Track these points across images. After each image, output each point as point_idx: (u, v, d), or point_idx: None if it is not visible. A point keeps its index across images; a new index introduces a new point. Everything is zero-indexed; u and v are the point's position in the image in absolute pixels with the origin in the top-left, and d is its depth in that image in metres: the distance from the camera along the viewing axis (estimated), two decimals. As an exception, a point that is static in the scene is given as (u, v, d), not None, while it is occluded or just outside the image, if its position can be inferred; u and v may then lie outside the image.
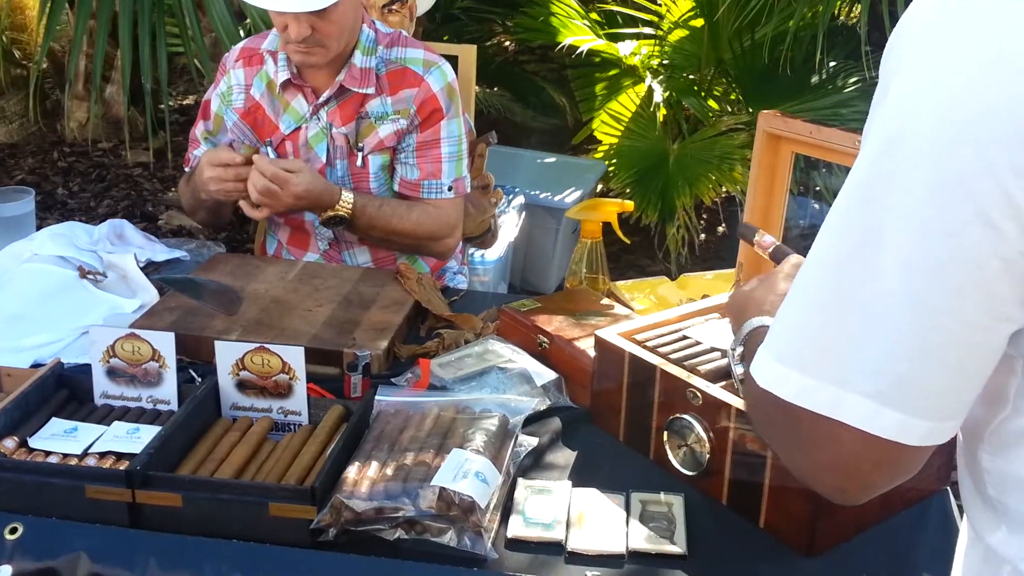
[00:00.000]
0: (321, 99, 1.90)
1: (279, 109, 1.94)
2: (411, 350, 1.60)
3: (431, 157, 1.93)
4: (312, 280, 1.81)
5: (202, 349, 1.55)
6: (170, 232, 3.60)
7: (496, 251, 2.80)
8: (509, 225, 3.05)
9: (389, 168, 1.95)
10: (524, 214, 3.18)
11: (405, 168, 1.94)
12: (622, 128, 3.82)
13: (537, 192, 3.34)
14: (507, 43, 5.00)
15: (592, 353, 1.42)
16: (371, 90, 1.89)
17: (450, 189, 1.95)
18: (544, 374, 1.46)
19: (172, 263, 1.97)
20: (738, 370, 1.08)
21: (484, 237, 2.32)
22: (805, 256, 0.73)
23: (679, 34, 3.86)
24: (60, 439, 1.29)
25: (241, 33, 3.27)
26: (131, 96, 4.31)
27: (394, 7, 2.28)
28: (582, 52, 3.64)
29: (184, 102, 4.97)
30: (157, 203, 3.89)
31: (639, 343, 1.36)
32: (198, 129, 2.05)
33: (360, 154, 1.91)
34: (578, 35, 3.76)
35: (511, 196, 3.14)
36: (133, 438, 1.29)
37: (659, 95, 3.54)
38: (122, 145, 4.33)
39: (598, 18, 4.11)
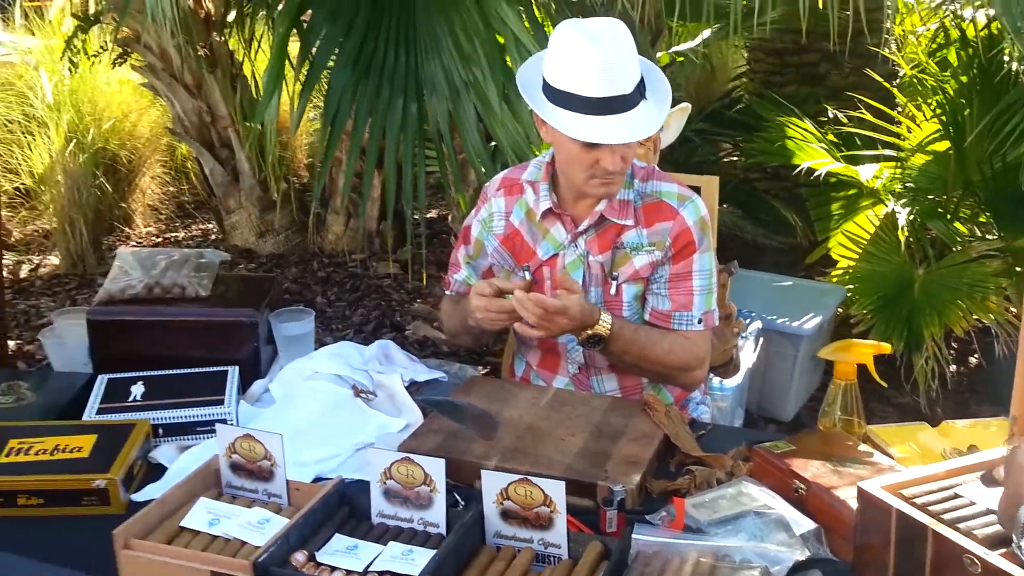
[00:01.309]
0: (580, 228, 2.00)
1: (538, 236, 2.05)
2: (663, 486, 1.63)
3: (683, 289, 1.98)
4: (563, 407, 1.88)
5: (463, 472, 1.64)
6: (416, 343, 3.81)
7: (735, 379, 2.78)
8: (747, 350, 3.04)
9: (641, 298, 2.01)
10: (761, 340, 3.16)
11: (657, 299, 2.00)
12: (861, 251, 3.74)
13: (774, 317, 3.30)
14: (736, 161, 5.04)
15: (853, 504, 1.39)
16: (629, 221, 1.98)
17: (700, 321, 1.99)
18: (802, 522, 1.45)
19: (432, 383, 2.10)
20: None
21: (726, 367, 2.32)
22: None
23: (922, 157, 3.76)
24: (343, 555, 1.40)
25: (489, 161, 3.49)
26: (381, 211, 4.68)
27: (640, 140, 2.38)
28: (819, 174, 3.63)
29: (428, 215, 5.30)
30: (404, 313, 4.14)
31: (906, 499, 1.32)
32: (459, 253, 2.19)
33: (614, 283, 1.99)
34: (815, 158, 3.75)
35: (748, 321, 3.13)
36: (408, 559, 1.38)
37: (903, 219, 3.45)
38: (373, 256, 4.66)
39: (835, 139, 4.08)
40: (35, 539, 1.55)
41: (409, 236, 3.97)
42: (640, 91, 1.85)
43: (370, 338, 3.85)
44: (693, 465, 1.68)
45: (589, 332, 1.90)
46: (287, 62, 3.52)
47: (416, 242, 4.19)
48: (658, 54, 4.74)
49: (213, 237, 5.17)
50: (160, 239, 5.25)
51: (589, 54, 1.79)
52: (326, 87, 3.57)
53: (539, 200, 2.03)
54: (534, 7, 3.58)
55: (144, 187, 5.35)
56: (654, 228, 1.98)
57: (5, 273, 4.22)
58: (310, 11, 3.59)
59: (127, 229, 5.20)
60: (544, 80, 1.87)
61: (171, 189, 5.66)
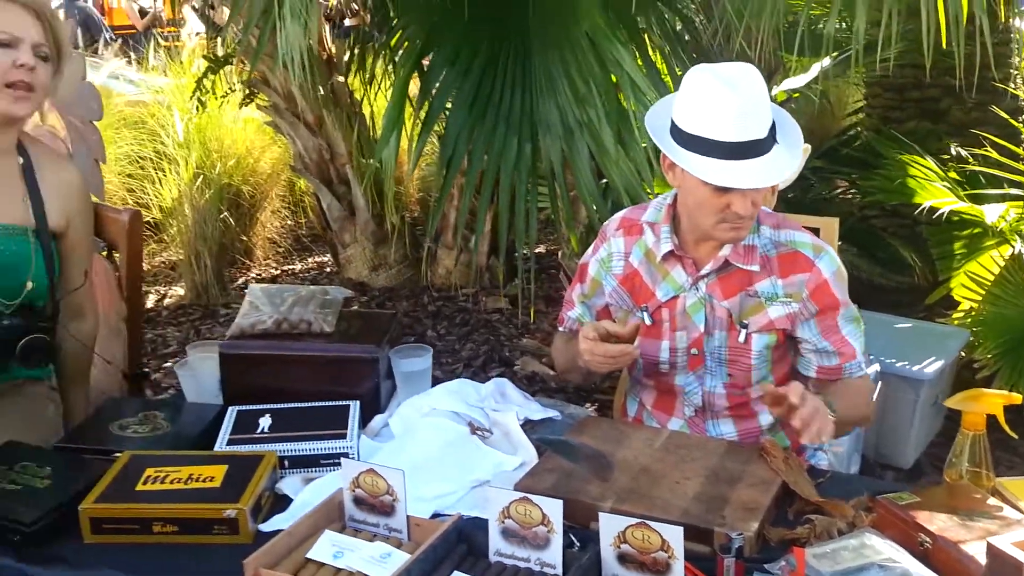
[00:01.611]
0: (703, 271, 2.00)
1: (657, 277, 2.05)
2: (781, 534, 1.61)
3: (840, 340, 1.99)
4: (678, 450, 1.87)
5: (577, 512, 1.65)
6: (524, 378, 3.85)
7: (851, 422, 2.72)
8: (863, 394, 2.97)
9: (774, 349, 2.00)
10: (880, 383, 3.08)
11: (821, 356, 2.01)
12: (985, 292, 3.62)
13: (893, 360, 3.22)
14: (852, 198, 4.94)
15: (982, 560, 1.36)
16: (755, 267, 1.97)
17: (864, 365, 2.01)
18: (928, 578, 1.41)
19: (546, 422, 2.12)
20: None
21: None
22: None
23: (1052, 197, 3.63)
24: (463, 592, 1.43)
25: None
26: (492, 247, 4.76)
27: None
28: (941, 213, 3.53)
29: (537, 251, 5.35)
30: (513, 348, 4.18)
31: (1040, 558, 1.28)
32: (574, 292, 2.21)
33: (743, 331, 1.98)
34: (937, 196, 3.65)
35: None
36: (526, 599, 1.40)
37: (1030, 260, 3.33)
38: (483, 291, 4.73)
39: (958, 177, 3.97)
40: (167, 565, 1.61)
41: (519, 271, 4.02)
42: (773, 135, 1.85)
43: (479, 372, 3.91)
44: (812, 514, 1.66)
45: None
46: (407, 102, 3.63)
47: (525, 277, 4.24)
48: (774, 90, 4.71)
49: (328, 270, 5.33)
50: (278, 271, 5.44)
51: (725, 99, 1.80)
52: (443, 126, 3.67)
53: (659, 242, 2.03)
54: (648, 48, 3.61)
55: (264, 221, 5.57)
56: (790, 279, 1.97)
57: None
58: (430, 54, 3.70)
59: (247, 261, 5.41)
60: (674, 124, 1.89)
61: (289, 223, 5.87)
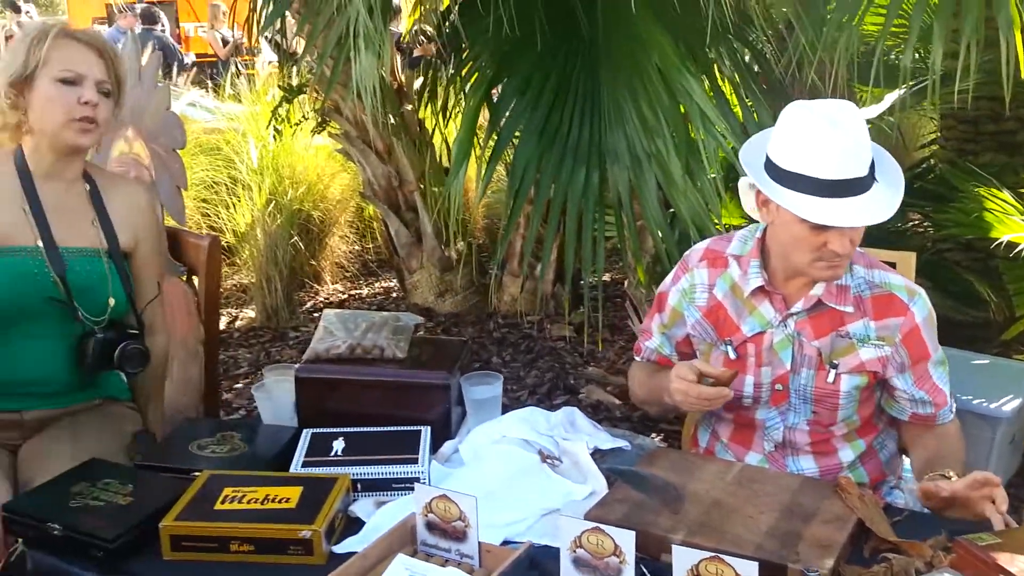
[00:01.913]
0: (793, 309, 1.98)
1: (743, 312, 2.04)
2: (857, 572, 1.58)
3: (932, 387, 1.98)
4: (751, 484, 1.85)
5: (648, 544, 1.65)
6: (589, 406, 3.84)
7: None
8: (938, 431, 2.91)
9: (863, 390, 1.99)
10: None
11: (916, 404, 2.00)
12: (1062, 328, 3.52)
13: (969, 397, 3.15)
14: (925, 232, 4.86)
15: (1068, 605, 1.32)
16: (848, 308, 1.96)
17: (953, 410, 2.00)
18: (1011, 622, 1.38)
19: (615, 451, 2.11)
20: None
21: (920, 449, 2.24)
22: None
23: None
24: (535, 620, 1.44)
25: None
26: (557, 274, 4.77)
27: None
28: (1021, 249, 3.46)
29: (603, 280, 5.35)
30: (578, 376, 4.18)
31: None
32: (652, 321, 2.20)
33: (832, 371, 1.96)
34: (1015, 230, 3.58)
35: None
36: (598, 630, 1.40)
37: (1110, 297, 3.24)
38: (548, 319, 4.74)
39: (1036, 210, 3.89)
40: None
41: (586, 300, 4.03)
42: (872, 173, 1.84)
43: (544, 399, 3.92)
44: (889, 553, 1.63)
45: None
46: (476, 132, 3.68)
47: (592, 306, 4.25)
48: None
49: (394, 295, 5.40)
50: (346, 295, 5.52)
51: (826, 135, 1.80)
52: (511, 156, 3.71)
53: (747, 277, 2.02)
54: (718, 79, 3.61)
55: (333, 246, 5.66)
56: (884, 322, 1.95)
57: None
58: (500, 84, 3.75)
59: (316, 285, 5.50)
60: (769, 160, 1.89)
61: (357, 248, 5.96)
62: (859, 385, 1.97)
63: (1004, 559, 1.48)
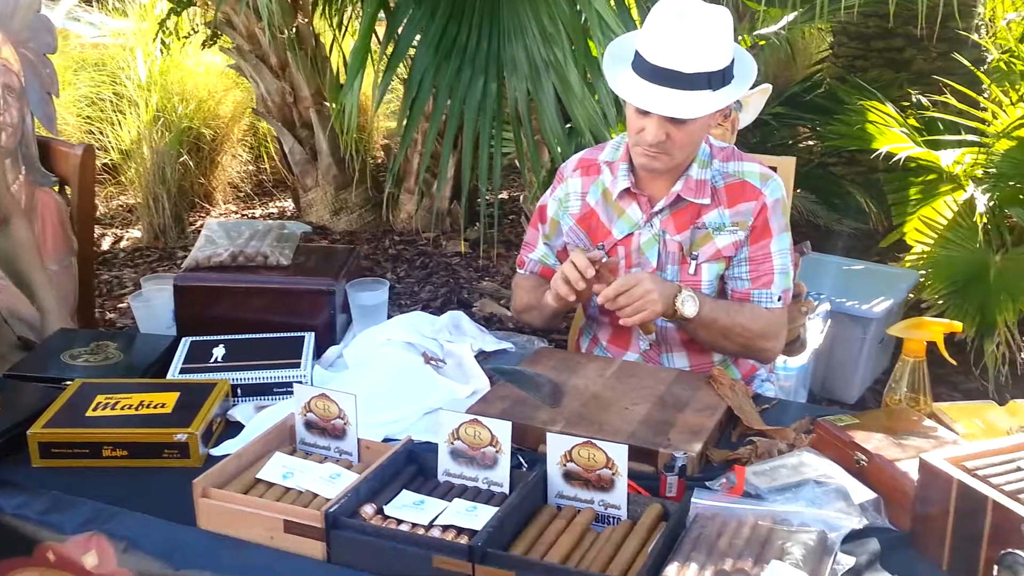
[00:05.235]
0: (656, 208, 2.01)
1: (613, 216, 2.07)
2: (724, 455, 1.65)
3: (764, 269, 2.00)
4: (629, 379, 1.91)
5: (528, 436, 1.69)
6: (483, 319, 3.86)
7: (800, 358, 2.78)
8: (813, 332, 3.02)
9: (721, 277, 2.03)
10: (829, 321, 3.14)
11: (736, 281, 2.02)
12: (936, 236, 3.68)
13: (843, 300, 3.28)
14: (813, 145, 4.98)
15: (914, 476, 1.40)
16: (706, 201, 1.99)
17: (779, 299, 2.00)
18: (862, 492, 1.46)
19: (500, 353, 2.14)
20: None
21: (792, 345, 2.33)
22: None
23: (1007, 143, 3.67)
24: (410, 509, 1.45)
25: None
26: (454, 191, 4.75)
27: (718, 121, 2.38)
28: (899, 159, 3.57)
29: (499, 196, 5.34)
30: (472, 291, 4.20)
31: (968, 471, 1.33)
32: (535, 232, 2.21)
33: (693, 262, 2.00)
34: (895, 142, 3.69)
35: (817, 302, 3.12)
36: (471, 515, 1.43)
37: (982, 205, 3.38)
38: (444, 235, 4.73)
39: (916, 124, 4.01)
40: (117, 488, 1.61)
41: (482, 216, 4.02)
42: (714, 81, 1.83)
43: (437, 313, 3.91)
44: (755, 436, 1.70)
45: (679, 300, 1.88)
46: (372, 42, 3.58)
47: (487, 222, 4.24)
48: (739, 37, 4.71)
49: (289, 214, 5.30)
50: (239, 215, 5.39)
51: (667, 25, 1.81)
52: (407, 69, 3.63)
53: (616, 180, 2.04)
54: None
55: (225, 165, 5.50)
56: (737, 208, 1.99)
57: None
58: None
59: (207, 205, 5.36)
60: (636, 52, 1.89)
61: (250, 167, 5.81)
62: (718, 273, 2.01)
63: (860, 437, 1.56)
